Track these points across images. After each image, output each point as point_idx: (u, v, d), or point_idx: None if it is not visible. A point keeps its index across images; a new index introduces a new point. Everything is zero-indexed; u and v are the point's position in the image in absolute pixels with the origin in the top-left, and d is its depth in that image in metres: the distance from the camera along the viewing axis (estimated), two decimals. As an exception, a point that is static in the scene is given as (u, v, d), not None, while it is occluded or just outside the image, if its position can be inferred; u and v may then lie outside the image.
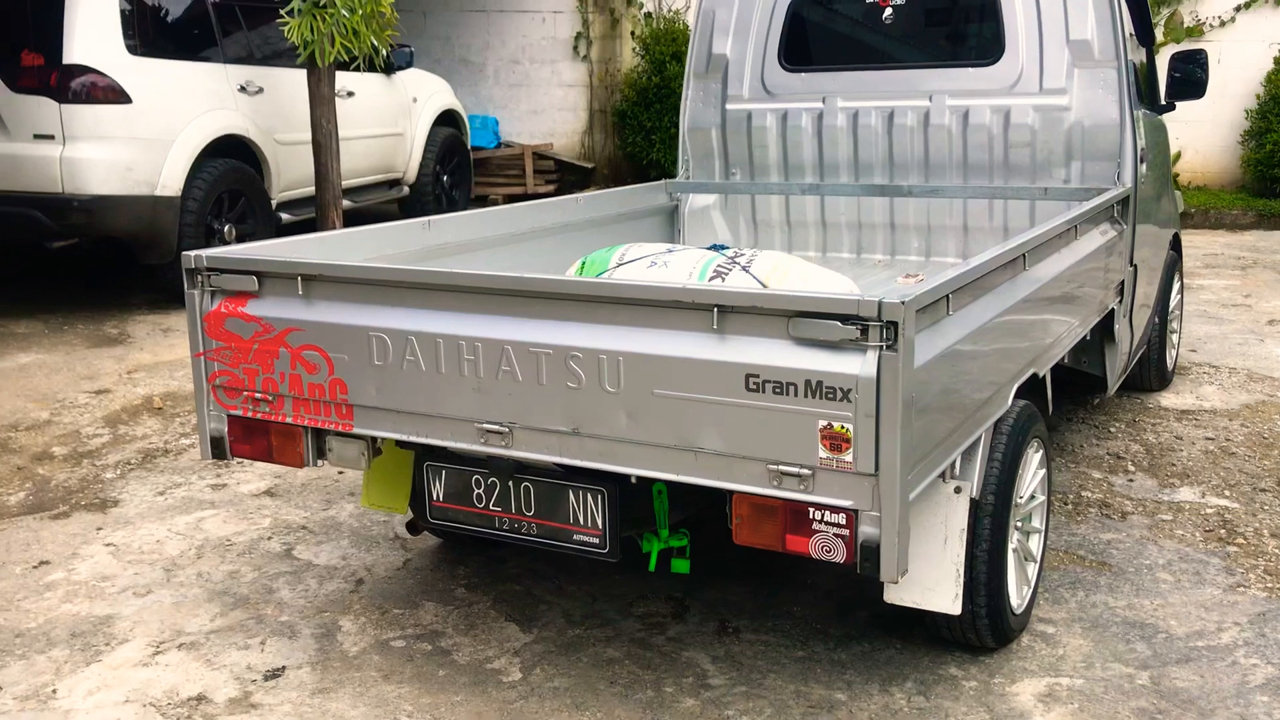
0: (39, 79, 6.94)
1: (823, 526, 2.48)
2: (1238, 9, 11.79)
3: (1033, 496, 3.41)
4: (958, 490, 2.92)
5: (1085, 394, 5.31)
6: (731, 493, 2.57)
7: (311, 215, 8.33)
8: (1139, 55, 5.29)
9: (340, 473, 4.70)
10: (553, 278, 2.79)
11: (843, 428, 2.39)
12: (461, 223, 4.11)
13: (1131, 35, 5.04)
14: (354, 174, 9.02)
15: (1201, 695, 3.07)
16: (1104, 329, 4.43)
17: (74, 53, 6.95)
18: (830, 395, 2.39)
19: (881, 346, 2.35)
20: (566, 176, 13.05)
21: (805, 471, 2.45)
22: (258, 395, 3.09)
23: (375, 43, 7.84)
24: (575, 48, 13.03)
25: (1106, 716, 2.98)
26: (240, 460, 4.18)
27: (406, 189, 10.11)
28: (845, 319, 2.37)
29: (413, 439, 2.94)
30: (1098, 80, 4.54)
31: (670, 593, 3.65)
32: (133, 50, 7.23)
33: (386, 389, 2.90)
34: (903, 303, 2.32)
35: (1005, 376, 3.13)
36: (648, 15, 12.91)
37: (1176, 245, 5.77)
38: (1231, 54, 11.71)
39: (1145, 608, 3.56)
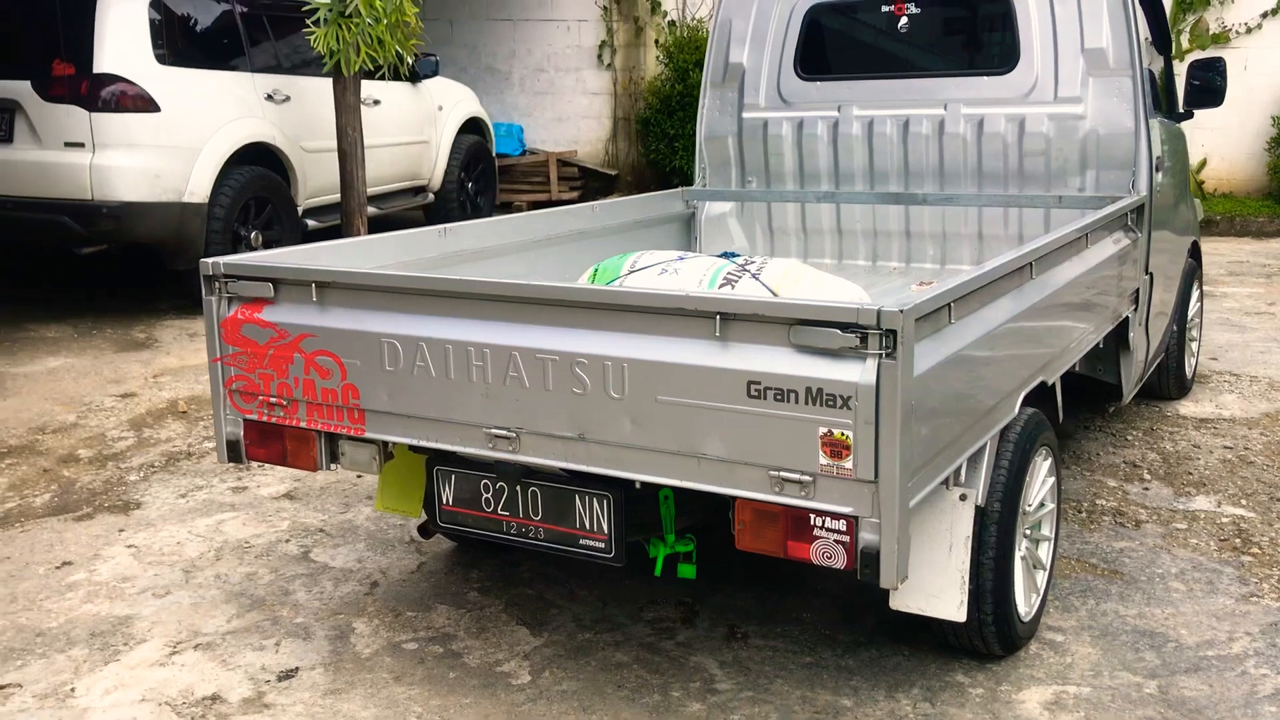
0: (70, 88, 7.07)
1: (823, 533, 2.50)
2: (1265, 15, 11.71)
3: (1042, 504, 3.41)
4: (963, 497, 2.93)
5: (1103, 402, 5.30)
6: (734, 498, 2.60)
7: (337, 222, 8.42)
8: (1156, 63, 5.28)
9: (359, 477, 4.76)
10: (558, 285, 2.83)
11: (843, 435, 2.42)
12: (477, 230, 4.16)
13: (1148, 42, 5.04)
14: (380, 181, 9.11)
15: (1209, 705, 3.07)
16: (1119, 337, 4.42)
17: (104, 62, 7.08)
18: (830, 402, 2.41)
19: (881, 354, 2.37)
20: (590, 183, 13.12)
21: (806, 478, 2.48)
22: (272, 400, 3.15)
23: (400, 51, 7.92)
24: (600, 56, 13.10)
25: (1112, 724, 2.99)
26: (257, 464, 4.25)
27: (431, 196, 10.20)
28: (845, 327, 2.39)
29: (422, 443, 2.99)
30: (1112, 89, 4.54)
31: (681, 598, 3.68)
32: (162, 60, 7.35)
33: (397, 394, 2.95)
34: (901, 311, 2.34)
35: (1012, 384, 3.14)
36: (671, 23, 12.96)
37: (1196, 253, 5.74)
38: (1259, 61, 11.64)
39: (1156, 616, 3.55)
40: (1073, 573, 3.84)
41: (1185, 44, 11.70)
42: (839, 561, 2.50)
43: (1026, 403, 3.23)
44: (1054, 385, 3.53)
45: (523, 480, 2.95)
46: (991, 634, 3.15)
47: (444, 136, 10.22)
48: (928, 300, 2.51)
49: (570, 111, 13.36)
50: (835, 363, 2.42)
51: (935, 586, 2.95)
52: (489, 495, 3.01)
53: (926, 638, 3.32)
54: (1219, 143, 11.73)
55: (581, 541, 2.90)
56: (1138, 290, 4.53)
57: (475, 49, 13.45)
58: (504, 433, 2.82)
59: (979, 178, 4.87)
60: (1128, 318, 4.41)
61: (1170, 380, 5.57)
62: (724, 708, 3.07)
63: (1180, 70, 5.69)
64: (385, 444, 3.15)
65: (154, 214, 7.23)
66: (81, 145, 7.06)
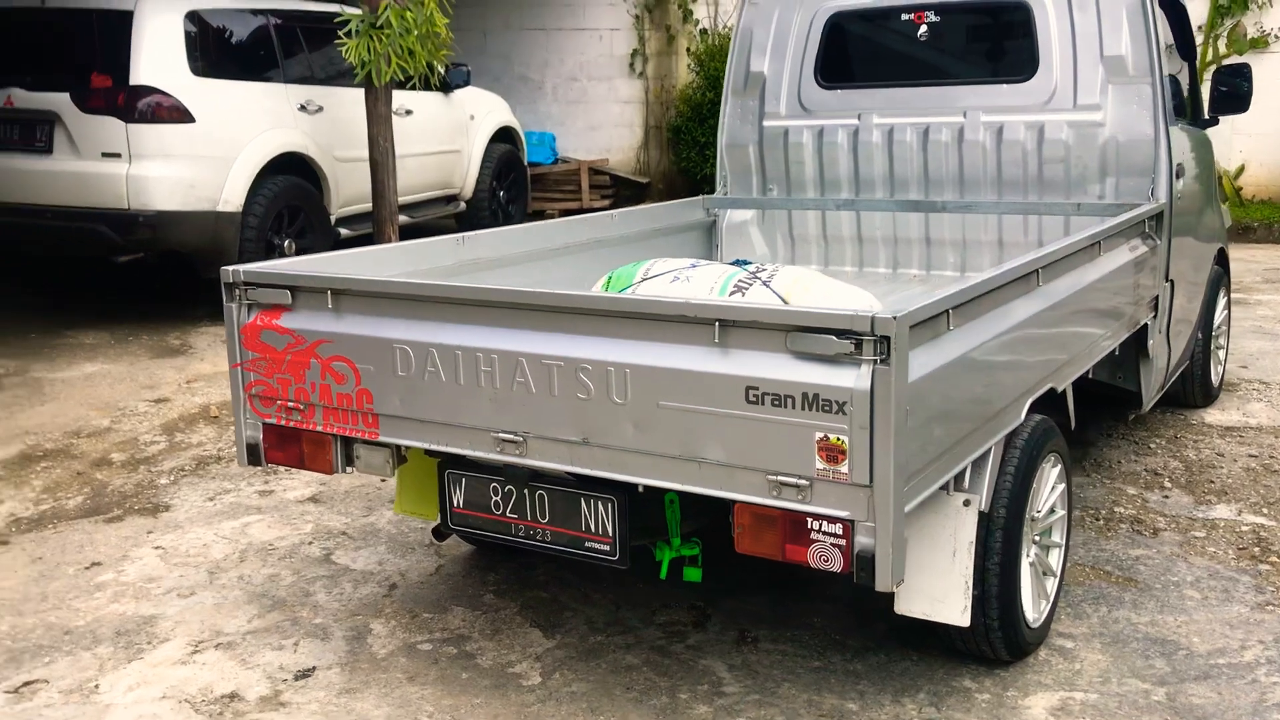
0: (107, 100, 7.23)
1: (820, 536, 2.53)
2: (1303, 20, 11.57)
3: (1052, 510, 3.42)
4: (966, 503, 2.95)
5: (1124, 410, 5.27)
6: (734, 502, 2.64)
7: (369, 230, 8.54)
8: (1179, 69, 5.26)
9: (382, 480, 4.84)
10: (562, 292, 2.88)
11: (838, 440, 2.45)
12: (495, 238, 4.22)
13: (1170, 48, 5.02)
14: (411, 190, 9.21)
15: (1216, 712, 3.07)
16: (1138, 344, 4.41)
17: (140, 74, 7.23)
18: (826, 408, 2.45)
19: (875, 361, 2.40)
20: (622, 191, 13.18)
21: (803, 482, 2.51)
22: (290, 404, 3.22)
23: (431, 62, 8.03)
24: (631, 64, 13.17)
25: (1117, 731, 2.99)
26: (277, 467, 4.33)
27: (463, 204, 10.30)
28: (840, 333, 2.43)
29: (434, 447, 3.06)
30: (1132, 96, 4.54)
31: (693, 602, 3.71)
32: (196, 71, 7.49)
33: (409, 399, 3.02)
34: (894, 317, 2.37)
35: (1018, 391, 3.15)
36: (703, 31, 13.01)
37: (1223, 260, 5.70)
38: (1296, 66, 11.47)
39: (1168, 624, 3.55)
40: (1086, 580, 3.84)
41: (1223, 49, 11.58)
42: (835, 565, 2.53)
43: (1035, 409, 3.24)
44: (1065, 392, 3.53)
45: (530, 483, 3.01)
46: (998, 639, 3.16)
47: (476, 145, 10.33)
48: (923, 307, 2.54)
49: (602, 120, 13.44)
50: (831, 369, 2.45)
51: (939, 591, 2.97)
52: (498, 498, 3.07)
53: (935, 643, 3.33)
54: (1258, 149, 11.58)
55: (587, 544, 2.95)
56: (1157, 298, 4.51)
57: (509, 58, 13.56)
58: (511, 437, 2.87)
59: (999, 185, 4.87)
60: (1146, 325, 4.39)
61: (1195, 388, 5.54)
62: (730, 710, 3.10)
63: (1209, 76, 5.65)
64: (398, 448, 3.22)
65: (189, 223, 7.37)
66: (118, 156, 7.21)
